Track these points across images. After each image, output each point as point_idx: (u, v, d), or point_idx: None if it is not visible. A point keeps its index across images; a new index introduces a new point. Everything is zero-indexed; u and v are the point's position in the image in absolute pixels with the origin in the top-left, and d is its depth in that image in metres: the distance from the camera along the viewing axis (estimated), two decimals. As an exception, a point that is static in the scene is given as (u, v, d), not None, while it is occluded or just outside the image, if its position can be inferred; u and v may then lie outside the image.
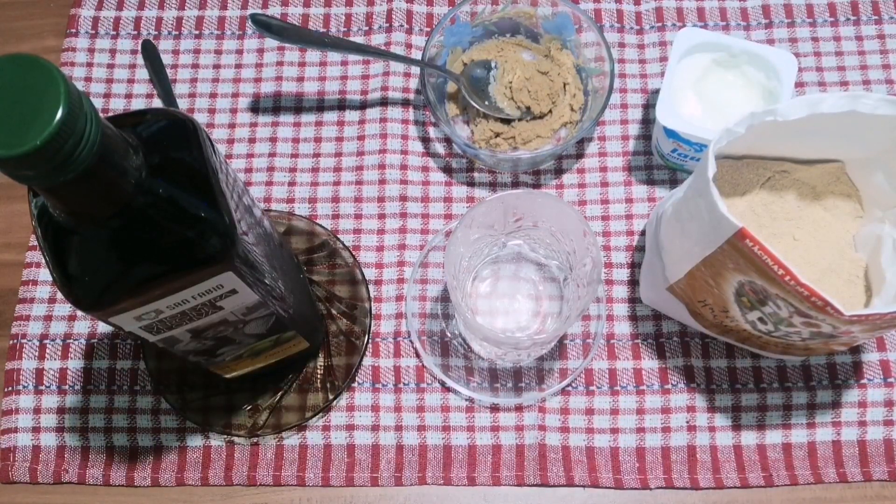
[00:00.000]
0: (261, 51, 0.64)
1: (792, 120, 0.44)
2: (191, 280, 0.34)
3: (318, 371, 0.55)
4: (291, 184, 0.60)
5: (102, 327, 0.57)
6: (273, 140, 0.61)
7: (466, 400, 0.54)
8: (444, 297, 0.57)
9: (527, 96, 0.59)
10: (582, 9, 0.59)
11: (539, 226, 0.51)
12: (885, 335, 0.55)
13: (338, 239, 0.58)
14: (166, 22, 0.65)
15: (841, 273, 0.49)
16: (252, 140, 0.61)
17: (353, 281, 0.57)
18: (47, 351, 0.56)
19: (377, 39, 0.64)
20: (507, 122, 0.59)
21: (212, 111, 0.62)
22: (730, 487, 0.52)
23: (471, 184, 0.60)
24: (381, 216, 0.59)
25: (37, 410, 0.55)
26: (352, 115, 0.62)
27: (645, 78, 0.62)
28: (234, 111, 0.62)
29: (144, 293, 0.33)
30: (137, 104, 0.63)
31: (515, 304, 0.56)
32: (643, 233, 0.58)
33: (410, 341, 0.56)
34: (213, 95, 0.63)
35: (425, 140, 0.61)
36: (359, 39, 0.64)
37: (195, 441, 0.54)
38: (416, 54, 0.63)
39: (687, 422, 0.53)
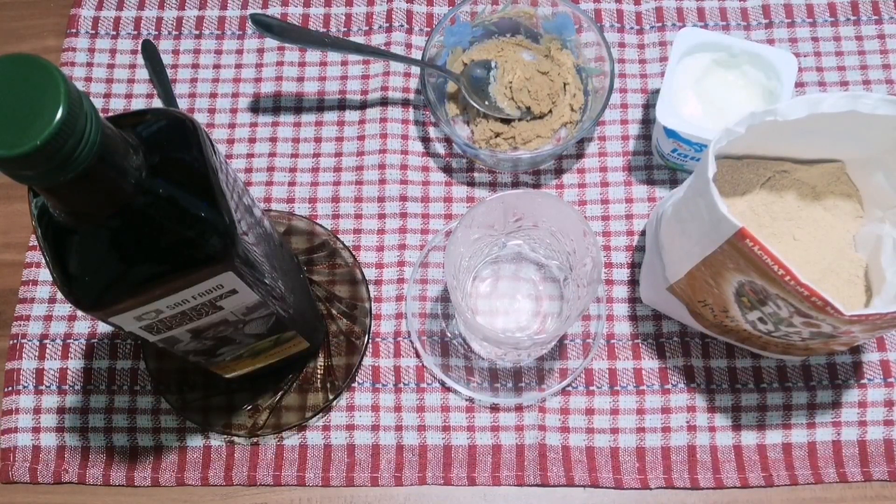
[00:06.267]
0: (261, 51, 0.64)
1: (792, 120, 0.44)
2: (191, 280, 0.34)
3: (318, 371, 0.55)
4: (291, 184, 0.60)
5: (102, 327, 0.57)
6: (273, 140, 0.61)
7: (466, 400, 0.54)
8: (444, 297, 0.57)
9: (527, 96, 0.59)
10: (582, 9, 0.59)
11: (539, 226, 0.51)
12: (885, 335, 0.55)
13: (338, 239, 0.58)
14: (166, 22, 0.65)
15: (841, 273, 0.49)
16: (252, 140, 0.61)
17: (353, 281, 0.57)
18: (47, 351, 0.56)
19: (377, 39, 0.64)
20: (507, 122, 0.59)
21: (212, 111, 0.62)
22: (730, 487, 0.52)
23: (471, 184, 0.60)
24: (381, 216, 0.59)
25: (37, 410, 0.55)
26: (352, 115, 0.62)
27: (645, 78, 0.62)
28: (234, 111, 0.62)
29: (144, 293, 0.33)
30: (137, 104, 0.63)
31: (515, 304, 0.56)
32: (643, 233, 0.58)
33: (410, 341, 0.56)
34: (213, 95, 0.63)
35: (425, 140, 0.61)
36: (359, 39, 0.64)
37: (195, 441, 0.54)
38: (416, 54, 0.63)
39: (687, 422, 0.53)
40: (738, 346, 0.54)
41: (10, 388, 0.55)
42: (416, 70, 0.63)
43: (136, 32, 0.65)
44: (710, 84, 0.56)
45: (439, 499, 0.53)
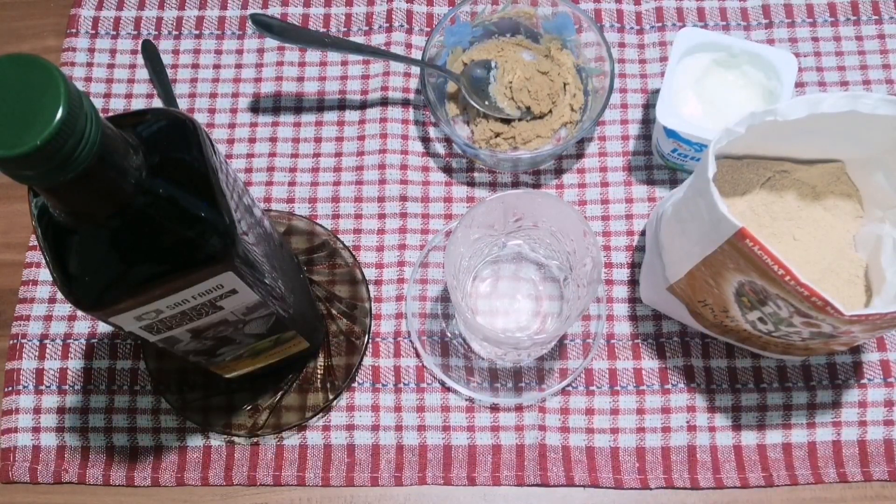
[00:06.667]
0: (261, 51, 0.64)
1: (792, 120, 0.44)
2: (191, 280, 0.34)
3: (318, 371, 0.55)
4: (291, 184, 0.60)
5: (102, 327, 0.57)
6: (273, 140, 0.61)
7: (466, 400, 0.54)
8: (445, 297, 0.57)
9: (527, 96, 0.59)
10: (582, 9, 0.59)
11: (539, 226, 0.51)
12: (885, 335, 0.55)
13: (338, 239, 0.58)
14: (166, 22, 0.65)
15: (841, 273, 0.49)
16: (252, 140, 0.61)
17: (353, 281, 0.57)
18: (47, 351, 0.56)
19: (377, 39, 0.64)
20: (507, 122, 0.59)
21: (212, 111, 0.62)
22: (730, 487, 0.52)
23: (471, 184, 0.60)
24: (382, 216, 0.59)
25: (37, 410, 0.55)
26: (352, 115, 0.62)
27: (645, 78, 0.62)
28: (234, 111, 0.62)
29: (144, 293, 0.33)
30: (137, 104, 0.63)
31: (515, 304, 0.56)
32: (643, 233, 0.58)
33: (410, 341, 0.56)
34: (213, 95, 0.63)
35: (425, 140, 0.61)
36: (359, 39, 0.64)
37: (195, 441, 0.54)
38: (416, 54, 0.63)
39: (687, 422, 0.53)
40: (738, 346, 0.54)
41: (10, 388, 0.55)
42: (416, 70, 0.63)
43: (136, 32, 0.65)
44: (710, 84, 0.56)
45: (439, 499, 0.53)
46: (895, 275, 0.46)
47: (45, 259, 0.32)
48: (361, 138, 0.61)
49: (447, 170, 0.60)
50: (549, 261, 0.56)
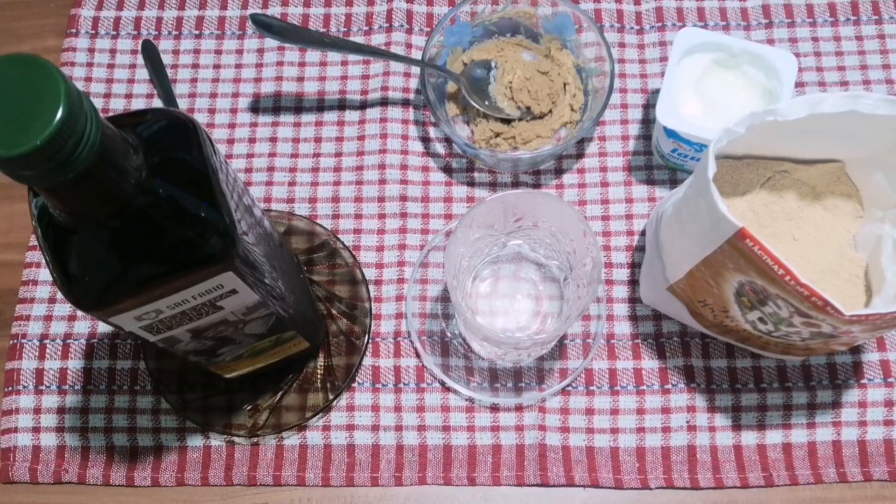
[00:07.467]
0: (261, 51, 0.64)
1: (792, 120, 0.44)
2: (191, 280, 0.34)
3: (318, 371, 0.55)
4: (291, 184, 0.60)
5: (102, 327, 0.57)
6: (273, 140, 0.61)
7: (466, 400, 0.54)
8: (444, 297, 0.57)
9: (527, 96, 0.59)
10: (582, 9, 0.59)
11: (539, 226, 0.51)
12: (885, 335, 0.55)
13: (338, 239, 0.58)
14: (166, 22, 0.65)
15: (841, 273, 0.49)
16: (252, 140, 0.61)
17: (353, 281, 0.57)
18: (47, 351, 0.56)
19: (377, 39, 0.64)
20: (507, 122, 0.59)
21: (212, 111, 0.62)
22: (730, 487, 0.52)
23: (471, 184, 0.60)
24: (382, 216, 0.59)
25: (37, 410, 0.55)
26: (352, 115, 0.62)
27: (645, 78, 0.62)
28: (234, 111, 0.62)
29: (144, 293, 0.33)
30: (137, 104, 0.63)
31: (515, 304, 0.56)
32: (643, 233, 0.58)
33: (410, 341, 0.56)
34: (213, 95, 0.63)
35: (425, 140, 0.61)
36: (359, 39, 0.64)
37: (195, 441, 0.54)
38: (416, 54, 0.63)
39: (687, 422, 0.53)
40: (738, 346, 0.54)
41: (10, 388, 0.55)
42: (416, 70, 0.63)
43: (136, 32, 0.65)
44: (710, 84, 0.56)
45: (439, 499, 0.53)
46: (895, 275, 0.46)
47: (45, 259, 0.32)
48: (361, 138, 0.61)
49: (447, 170, 0.60)
50: (549, 261, 0.56)
